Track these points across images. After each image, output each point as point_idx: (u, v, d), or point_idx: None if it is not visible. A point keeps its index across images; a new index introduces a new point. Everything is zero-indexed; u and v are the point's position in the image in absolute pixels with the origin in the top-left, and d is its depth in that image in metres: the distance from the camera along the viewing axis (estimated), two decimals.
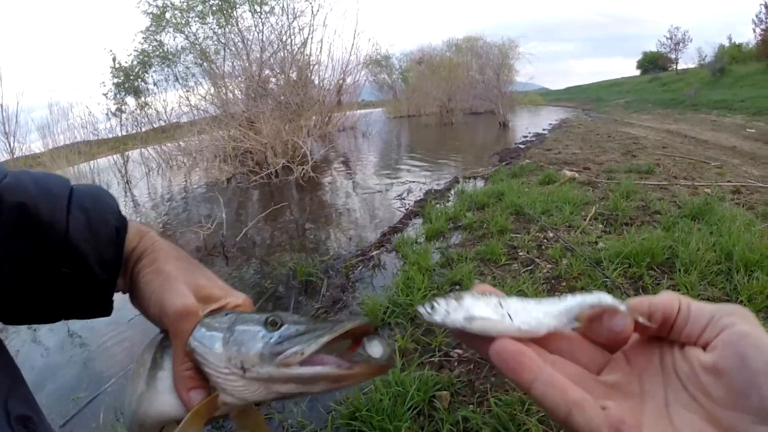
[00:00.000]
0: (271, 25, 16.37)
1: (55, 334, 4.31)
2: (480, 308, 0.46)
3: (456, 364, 2.70)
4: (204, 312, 0.67)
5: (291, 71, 15.85)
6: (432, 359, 2.76)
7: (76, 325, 4.36)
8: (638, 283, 3.31)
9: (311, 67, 16.87)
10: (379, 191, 8.79)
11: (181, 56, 19.89)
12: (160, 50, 20.45)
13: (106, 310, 0.75)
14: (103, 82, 21.89)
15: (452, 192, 7.44)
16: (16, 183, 0.65)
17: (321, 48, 17.97)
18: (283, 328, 0.62)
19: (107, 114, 21.36)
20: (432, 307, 0.47)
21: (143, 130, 21.00)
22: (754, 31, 33.92)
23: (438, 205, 6.18)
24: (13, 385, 0.69)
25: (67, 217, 0.66)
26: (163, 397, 0.67)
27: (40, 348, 4.12)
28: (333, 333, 0.58)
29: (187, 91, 19.12)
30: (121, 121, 21.39)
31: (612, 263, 3.50)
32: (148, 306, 0.69)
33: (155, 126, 20.93)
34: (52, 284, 0.66)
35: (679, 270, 3.31)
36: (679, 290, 3.06)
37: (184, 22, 18.29)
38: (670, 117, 20.74)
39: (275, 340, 0.60)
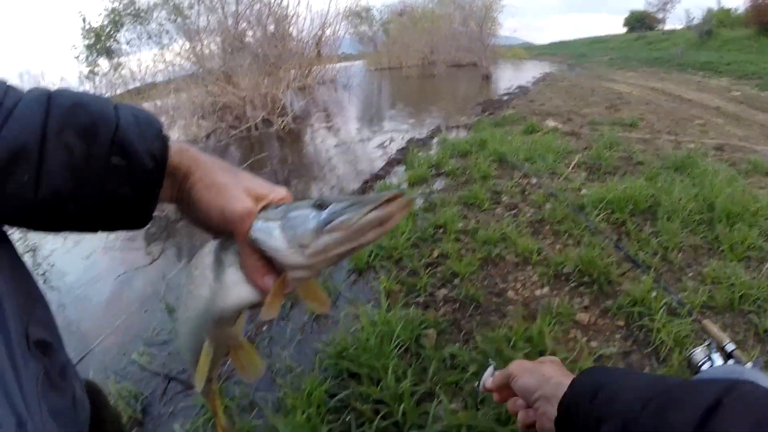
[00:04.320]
0: None
1: None
2: None
3: (441, 304, 2.69)
4: (258, 208, 0.76)
5: (268, 24, 15.36)
6: (417, 299, 2.74)
7: (55, 284, 4.33)
8: (621, 229, 3.30)
9: (289, 19, 16.36)
10: (361, 141, 8.69)
11: (154, 13, 19.22)
12: (132, 8, 19.73)
13: (146, 217, 0.78)
14: (74, 45, 21.19)
15: (435, 141, 7.37)
16: (67, 90, 0.70)
17: None
18: (330, 206, 0.70)
19: (80, 78, 20.75)
20: None
21: (118, 92, 20.41)
22: None
23: (420, 153, 6.09)
24: (34, 308, 0.71)
25: (116, 113, 0.70)
26: (238, 288, 0.78)
27: None
28: (375, 203, 0.67)
29: (161, 48, 18.53)
30: (95, 85, 20.79)
31: (595, 209, 3.49)
32: (207, 216, 0.77)
33: (130, 88, 20.32)
34: (100, 178, 0.67)
35: (662, 218, 3.29)
36: (661, 237, 3.06)
37: None
38: (656, 75, 20.69)
39: (325, 217, 0.69)
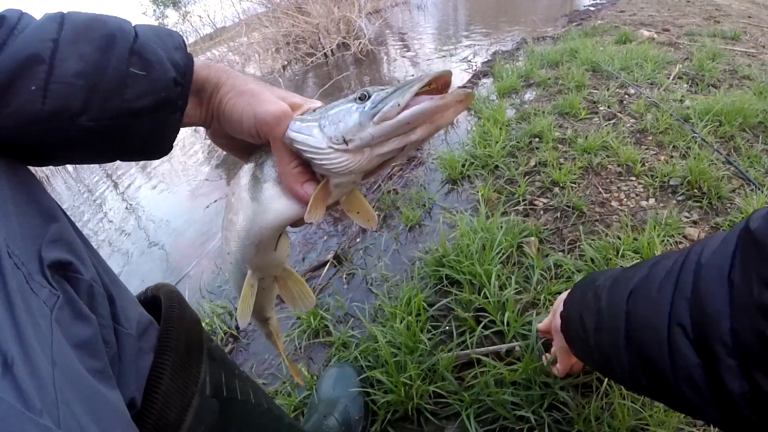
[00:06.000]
0: None
1: (130, 229, 4.65)
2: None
3: (542, 212, 2.66)
4: (293, 114, 0.74)
5: None
6: (516, 208, 2.72)
7: (147, 221, 4.67)
8: (729, 143, 3.12)
9: None
10: (442, 56, 8.45)
11: None
12: None
13: (169, 138, 0.77)
14: (140, 2, 21.21)
15: (521, 52, 7.07)
16: (83, 12, 0.68)
17: None
18: (373, 95, 0.67)
19: None
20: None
21: (191, 40, 20.40)
22: None
23: (507, 66, 5.86)
24: (47, 226, 0.64)
25: (135, 28, 0.69)
26: (276, 203, 0.75)
27: (115, 246, 4.35)
28: (421, 82, 0.63)
29: None
30: None
31: (701, 120, 3.30)
32: (239, 125, 0.74)
33: (202, 34, 20.22)
34: (118, 89, 0.65)
35: None
36: None
37: None
38: None
39: (369, 106, 0.66)
